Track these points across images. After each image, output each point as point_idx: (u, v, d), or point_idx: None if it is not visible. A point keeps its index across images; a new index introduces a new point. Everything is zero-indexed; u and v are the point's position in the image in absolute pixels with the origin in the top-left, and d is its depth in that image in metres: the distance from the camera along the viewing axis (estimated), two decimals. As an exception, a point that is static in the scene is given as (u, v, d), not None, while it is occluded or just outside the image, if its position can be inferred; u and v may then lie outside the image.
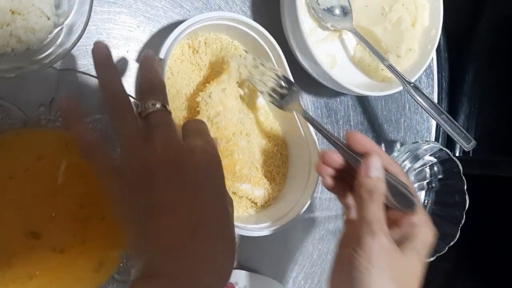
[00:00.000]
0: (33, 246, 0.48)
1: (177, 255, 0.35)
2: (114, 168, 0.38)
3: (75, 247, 0.49)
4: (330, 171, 0.50)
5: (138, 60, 0.54)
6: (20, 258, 0.48)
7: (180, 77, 0.55)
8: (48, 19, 0.46)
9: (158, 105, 0.39)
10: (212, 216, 0.37)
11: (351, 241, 0.46)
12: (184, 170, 0.37)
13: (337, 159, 0.49)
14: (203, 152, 0.39)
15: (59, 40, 0.46)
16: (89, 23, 0.50)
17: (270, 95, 0.54)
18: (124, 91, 0.40)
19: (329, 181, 0.50)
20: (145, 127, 0.38)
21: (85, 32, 0.47)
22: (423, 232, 0.47)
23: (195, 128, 0.42)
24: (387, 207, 0.48)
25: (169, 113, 0.40)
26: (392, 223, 0.49)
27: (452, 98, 0.78)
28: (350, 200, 0.50)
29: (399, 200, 0.48)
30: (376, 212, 0.45)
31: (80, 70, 0.48)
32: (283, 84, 0.54)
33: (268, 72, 0.54)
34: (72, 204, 0.50)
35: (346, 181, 0.50)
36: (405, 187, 0.48)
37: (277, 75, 0.54)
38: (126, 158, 0.38)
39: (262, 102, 0.60)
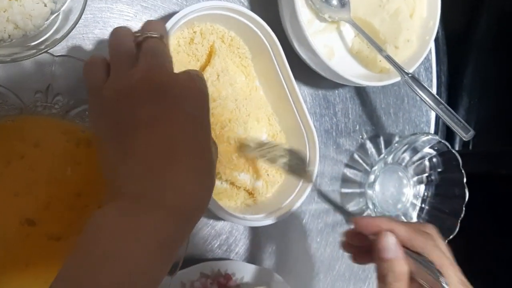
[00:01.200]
0: (29, 233, 0.48)
1: (149, 172, 0.34)
2: (101, 87, 0.38)
3: (72, 235, 0.49)
4: (356, 247, 0.49)
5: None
6: (16, 245, 0.47)
7: (176, 68, 0.54)
8: (45, 5, 0.46)
9: (155, 35, 0.40)
10: (190, 138, 0.36)
11: None
12: (165, 89, 0.37)
13: (359, 236, 0.47)
14: (188, 76, 0.38)
15: (55, 26, 0.46)
16: (86, 12, 0.50)
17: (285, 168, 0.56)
18: (127, 28, 0.41)
19: (356, 259, 0.49)
20: (140, 53, 0.39)
21: (82, 20, 0.47)
22: None
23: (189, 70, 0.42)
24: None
25: (164, 43, 0.40)
26: None
27: (452, 92, 0.77)
28: None
29: (430, 278, 0.42)
30: None
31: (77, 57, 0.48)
32: (290, 157, 0.55)
33: (272, 150, 0.55)
34: (68, 192, 0.49)
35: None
36: (428, 265, 0.43)
37: (284, 149, 0.56)
38: (113, 78, 0.38)
39: (260, 92, 0.60)
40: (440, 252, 0.44)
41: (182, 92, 0.37)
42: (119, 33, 0.41)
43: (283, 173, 0.60)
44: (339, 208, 0.67)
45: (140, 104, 0.36)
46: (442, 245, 0.46)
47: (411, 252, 0.44)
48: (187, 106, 0.37)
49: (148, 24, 0.42)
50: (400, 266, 0.43)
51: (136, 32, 0.41)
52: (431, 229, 0.46)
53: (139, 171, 0.34)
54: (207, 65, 0.56)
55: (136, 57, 0.39)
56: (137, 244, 0.32)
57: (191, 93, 0.38)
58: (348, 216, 0.68)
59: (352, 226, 0.48)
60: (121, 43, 0.40)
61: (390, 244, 0.44)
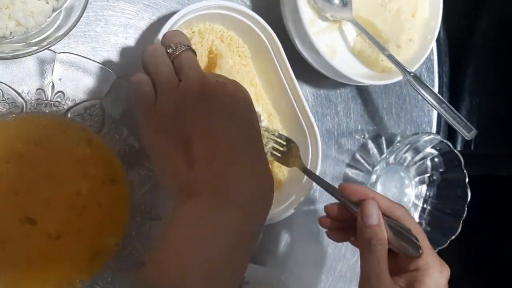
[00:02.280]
0: (29, 232, 0.47)
1: (216, 176, 0.37)
2: (153, 106, 0.40)
3: (71, 234, 0.49)
4: (334, 223, 0.52)
5: (136, 47, 0.54)
6: (16, 243, 0.47)
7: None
8: (47, 2, 0.46)
9: (186, 47, 0.42)
10: (248, 142, 0.40)
11: None
12: (219, 101, 0.39)
13: (341, 209, 0.51)
14: (234, 86, 0.41)
15: (57, 24, 0.46)
16: (88, 10, 0.50)
17: (272, 154, 0.57)
18: (160, 45, 0.43)
19: (333, 235, 0.53)
20: (178, 66, 0.42)
21: (84, 18, 0.47)
22: (431, 276, 0.47)
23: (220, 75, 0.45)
24: (396, 253, 0.48)
25: (194, 53, 0.43)
26: (401, 268, 0.49)
27: (453, 93, 0.77)
28: None
29: (403, 244, 0.48)
30: (376, 265, 0.46)
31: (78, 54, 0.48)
32: (282, 142, 0.57)
33: (266, 133, 0.57)
34: (68, 191, 0.49)
35: (353, 227, 0.50)
36: (406, 230, 0.48)
37: (274, 134, 0.57)
38: (165, 94, 0.40)
39: (260, 91, 0.60)
40: (414, 222, 0.50)
41: (233, 100, 0.40)
42: (155, 51, 0.42)
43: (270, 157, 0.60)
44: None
45: (197, 117, 0.39)
46: (413, 217, 0.52)
47: (389, 219, 0.49)
48: (239, 114, 0.40)
49: (172, 36, 0.44)
50: (383, 231, 0.47)
51: (168, 47, 0.43)
52: (402, 205, 0.52)
53: (209, 176, 0.37)
54: (212, 67, 0.56)
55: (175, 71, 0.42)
56: (219, 234, 0.36)
57: (241, 101, 0.41)
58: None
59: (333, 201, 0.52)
60: (160, 61, 0.42)
61: (373, 210, 0.48)
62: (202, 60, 0.56)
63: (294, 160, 0.57)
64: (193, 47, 0.55)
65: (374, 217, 0.47)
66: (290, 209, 0.57)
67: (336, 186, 0.53)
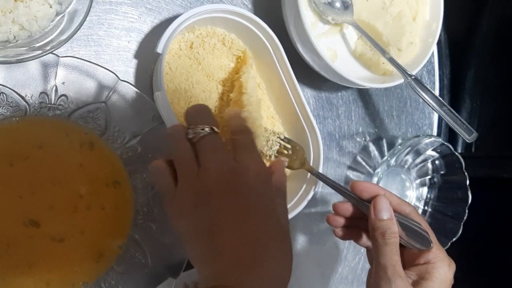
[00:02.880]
0: (32, 234, 0.48)
1: (240, 269, 0.38)
2: (174, 192, 0.41)
3: (75, 236, 0.49)
4: (341, 221, 0.53)
5: (138, 50, 0.54)
6: (19, 246, 0.48)
7: (178, 72, 0.55)
8: (50, 6, 0.46)
9: (207, 129, 0.41)
10: (267, 232, 0.39)
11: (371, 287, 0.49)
12: (238, 192, 0.39)
13: (349, 208, 0.53)
14: (254, 172, 0.41)
15: (60, 28, 0.46)
16: (91, 13, 0.50)
17: (276, 157, 0.57)
18: (182, 125, 0.43)
19: (340, 232, 0.53)
20: (198, 151, 0.41)
21: (87, 22, 0.47)
22: (440, 269, 0.49)
23: (244, 143, 0.43)
24: (403, 247, 0.50)
25: (218, 135, 0.42)
26: (409, 262, 0.51)
27: (454, 95, 0.78)
28: (367, 241, 0.53)
29: (413, 238, 0.50)
30: (390, 256, 0.47)
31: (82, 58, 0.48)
32: (287, 145, 0.57)
33: (272, 137, 0.57)
34: (71, 194, 0.50)
35: (359, 226, 0.53)
36: (417, 225, 0.50)
37: (279, 138, 0.58)
38: (185, 181, 0.40)
39: (261, 93, 0.60)
40: (422, 218, 0.52)
41: (254, 189, 0.40)
42: (175, 134, 0.42)
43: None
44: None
45: (218, 206, 0.39)
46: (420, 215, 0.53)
47: (398, 215, 0.50)
48: (260, 202, 0.40)
49: (194, 115, 0.42)
50: (395, 225, 0.49)
51: (189, 131, 0.41)
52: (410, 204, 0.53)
53: (232, 268, 0.38)
54: (208, 68, 0.56)
55: (196, 154, 0.41)
56: None
57: (261, 190, 0.41)
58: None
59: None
60: (180, 147, 0.41)
61: (386, 205, 0.50)
62: (203, 64, 0.56)
63: (300, 163, 0.57)
64: (195, 50, 0.56)
65: (386, 211, 0.49)
66: (299, 206, 0.57)
67: (330, 187, 0.55)
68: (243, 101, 0.53)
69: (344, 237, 0.54)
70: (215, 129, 0.42)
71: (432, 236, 0.50)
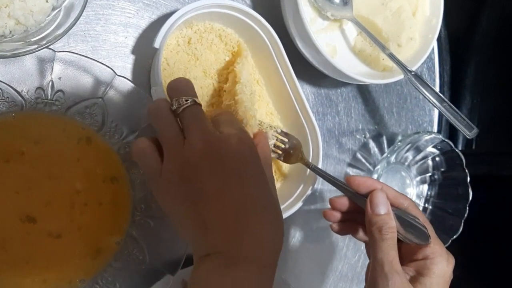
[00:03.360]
0: (29, 230, 0.48)
1: (228, 236, 0.38)
2: (159, 170, 0.40)
3: (72, 232, 0.49)
4: (338, 216, 0.53)
5: (136, 46, 0.54)
6: (16, 242, 0.47)
7: (176, 67, 0.54)
8: (47, 1, 0.46)
9: (190, 101, 0.41)
10: (253, 198, 0.39)
11: (369, 283, 0.48)
12: (223, 160, 0.39)
13: (346, 202, 0.52)
14: (238, 140, 0.40)
15: (56, 22, 0.46)
16: (88, 9, 0.50)
17: (273, 151, 0.56)
18: (163, 101, 0.42)
19: (337, 227, 0.53)
20: (182, 123, 0.41)
21: (83, 17, 0.47)
22: (439, 264, 0.48)
23: (226, 118, 0.44)
24: (401, 242, 0.49)
25: (201, 106, 0.42)
26: (407, 258, 0.50)
27: (454, 92, 0.77)
28: (365, 235, 0.53)
29: (411, 233, 0.49)
30: (387, 252, 0.47)
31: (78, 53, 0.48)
32: (284, 139, 0.57)
33: (269, 130, 0.57)
34: (68, 190, 0.49)
35: (357, 220, 0.52)
36: (415, 219, 0.50)
37: (276, 131, 0.57)
38: (170, 157, 0.40)
39: (259, 89, 0.60)
40: (421, 212, 0.51)
41: (239, 156, 0.40)
42: (158, 110, 0.42)
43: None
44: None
45: (203, 178, 0.39)
46: (419, 208, 0.53)
47: (396, 209, 0.50)
48: (246, 170, 0.40)
49: (175, 88, 0.42)
50: (392, 219, 0.48)
51: (172, 103, 0.41)
52: (408, 197, 0.53)
53: (223, 236, 0.38)
54: (206, 64, 0.56)
55: (181, 127, 0.41)
56: None
57: (246, 156, 0.40)
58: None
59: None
60: (164, 122, 0.41)
61: (383, 199, 0.49)
62: (201, 59, 0.56)
63: (297, 157, 0.57)
64: (193, 46, 0.55)
65: (383, 206, 0.49)
66: (298, 202, 0.57)
67: (327, 181, 0.54)
68: (236, 90, 0.52)
69: (341, 232, 0.54)
70: (197, 101, 0.42)
71: (431, 231, 0.50)
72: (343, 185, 0.53)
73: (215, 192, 0.39)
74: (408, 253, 0.50)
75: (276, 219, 0.41)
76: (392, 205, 0.50)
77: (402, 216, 0.49)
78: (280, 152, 0.56)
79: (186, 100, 0.41)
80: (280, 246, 0.40)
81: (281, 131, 0.57)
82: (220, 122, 0.43)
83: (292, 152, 0.57)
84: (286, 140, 0.57)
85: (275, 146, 0.57)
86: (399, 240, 0.49)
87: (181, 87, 0.42)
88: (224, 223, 0.38)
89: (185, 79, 0.44)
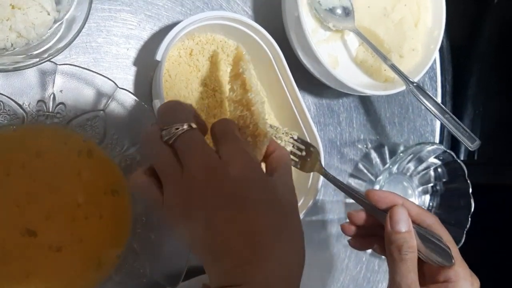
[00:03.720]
0: (30, 244, 0.47)
1: (243, 266, 0.36)
2: (161, 203, 0.38)
3: (73, 246, 0.49)
4: (356, 230, 0.50)
5: (138, 58, 0.54)
6: (16, 256, 0.47)
7: (178, 79, 0.54)
8: (48, 14, 0.46)
9: (180, 128, 0.38)
10: (265, 221, 0.37)
11: None
12: (225, 188, 0.37)
13: (364, 216, 0.49)
14: (241, 164, 0.38)
15: (58, 35, 0.46)
16: (90, 20, 0.50)
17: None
18: (156, 127, 0.39)
19: (354, 242, 0.51)
20: (177, 152, 0.38)
21: (85, 29, 0.47)
22: None
23: (222, 131, 0.40)
24: (422, 261, 0.47)
25: (196, 130, 0.38)
26: (428, 278, 0.47)
27: (456, 102, 0.77)
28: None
29: (433, 252, 0.46)
30: (406, 274, 0.44)
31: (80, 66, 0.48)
32: (301, 146, 0.54)
33: (285, 137, 0.54)
34: (69, 203, 0.49)
35: (377, 234, 0.49)
36: (438, 239, 0.47)
37: (293, 138, 0.54)
38: (169, 190, 0.37)
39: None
40: (445, 231, 0.48)
41: (243, 183, 0.37)
42: (149, 140, 0.39)
43: None
44: (343, 219, 0.67)
45: (208, 210, 0.36)
46: (443, 227, 0.50)
47: (418, 227, 0.47)
48: (252, 195, 0.37)
49: (166, 115, 0.39)
50: (413, 238, 0.46)
51: (164, 132, 0.38)
52: (433, 215, 0.50)
53: (236, 268, 0.36)
54: (207, 75, 0.55)
55: (176, 155, 0.38)
56: None
57: (251, 181, 0.38)
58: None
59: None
60: (156, 152, 0.38)
61: (404, 216, 0.46)
62: (202, 71, 0.56)
63: (313, 165, 0.54)
64: (195, 57, 0.55)
65: (404, 223, 0.46)
66: (300, 214, 0.56)
67: (338, 196, 0.53)
68: (250, 99, 0.45)
69: (359, 247, 0.51)
70: (193, 125, 0.38)
71: (455, 252, 0.47)
72: (361, 197, 0.50)
73: (222, 220, 0.36)
74: (430, 273, 0.47)
75: (293, 240, 0.38)
76: (414, 222, 0.47)
77: (424, 235, 0.46)
78: (297, 160, 0.53)
79: (177, 128, 0.37)
80: (302, 266, 0.38)
81: (298, 137, 0.54)
82: (216, 136, 0.40)
83: (309, 160, 0.54)
84: (303, 147, 0.54)
85: (291, 153, 0.53)
86: (419, 259, 0.46)
87: (170, 114, 0.39)
88: (236, 252, 0.36)
89: (175, 102, 0.40)
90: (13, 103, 0.46)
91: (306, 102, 0.63)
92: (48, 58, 0.44)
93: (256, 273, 0.35)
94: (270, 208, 0.38)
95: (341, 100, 0.67)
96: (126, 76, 0.53)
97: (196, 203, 0.37)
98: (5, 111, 0.46)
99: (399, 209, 0.46)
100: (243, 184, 0.37)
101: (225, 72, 0.57)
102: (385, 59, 0.60)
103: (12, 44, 0.45)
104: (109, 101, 0.49)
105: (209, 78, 0.56)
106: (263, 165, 0.44)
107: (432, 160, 0.68)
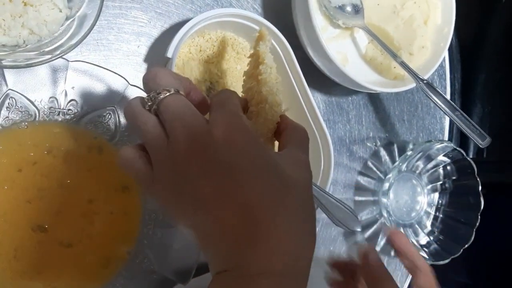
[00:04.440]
0: (40, 240, 0.47)
1: (241, 247, 0.32)
2: (150, 177, 0.35)
3: (83, 242, 0.49)
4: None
5: (148, 55, 0.54)
6: (27, 251, 0.47)
7: (188, 75, 0.54)
8: (60, 11, 0.46)
9: (162, 94, 0.35)
10: (264, 194, 0.32)
11: None
12: (213, 156, 0.32)
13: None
14: (227, 126, 0.33)
15: (70, 32, 0.46)
16: (101, 18, 0.50)
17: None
18: (135, 101, 0.36)
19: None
20: (162, 120, 0.35)
21: (96, 26, 0.47)
22: None
23: (218, 99, 0.36)
24: None
25: (181, 95, 0.35)
26: None
27: (465, 99, 0.77)
28: None
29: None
30: None
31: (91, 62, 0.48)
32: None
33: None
34: (80, 199, 0.49)
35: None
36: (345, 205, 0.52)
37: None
38: (156, 162, 0.34)
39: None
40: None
41: (230, 147, 0.33)
42: (131, 111, 0.36)
43: None
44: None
45: (194, 184, 0.32)
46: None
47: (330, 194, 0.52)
48: (243, 161, 0.33)
49: (149, 81, 0.36)
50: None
51: (146, 98, 0.35)
52: None
53: (229, 250, 0.32)
54: (217, 72, 0.55)
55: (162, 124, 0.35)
56: None
57: (239, 145, 0.33)
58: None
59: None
60: (140, 123, 0.35)
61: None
62: (212, 68, 0.56)
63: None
64: (205, 54, 0.55)
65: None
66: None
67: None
68: (260, 70, 0.42)
69: None
70: (180, 91, 0.35)
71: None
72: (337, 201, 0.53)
73: (211, 198, 0.32)
74: None
75: (298, 223, 0.33)
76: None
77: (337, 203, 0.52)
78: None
79: (159, 93, 0.34)
80: (309, 251, 0.34)
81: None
82: (212, 105, 0.36)
83: None
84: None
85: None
86: None
87: (154, 80, 0.35)
88: (228, 235, 0.32)
89: (158, 68, 0.37)
90: (25, 99, 0.47)
91: (315, 100, 0.63)
92: (60, 55, 0.44)
93: (254, 256, 0.31)
94: (266, 178, 0.33)
95: (350, 98, 0.67)
96: (136, 73, 0.53)
97: (181, 177, 0.33)
98: (17, 107, 0.47)
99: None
100: (230, 149, 0.33)
101: (234, 69, 0.57)
102: (394, 56, 0.60)
103: (24, 41, 0.45)
104: (120, 98, 0.49)
105: (219, 75, 0.56)
106: (276, 145, 0.41)
107: (441, 158, 0.67)
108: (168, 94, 0.34)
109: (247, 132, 0.34)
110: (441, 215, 0.70)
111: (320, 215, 0.65)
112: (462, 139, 0.76)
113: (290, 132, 0.39)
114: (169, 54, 0.49)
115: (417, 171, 0.70)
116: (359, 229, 0.52)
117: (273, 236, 0.32)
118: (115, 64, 0.52)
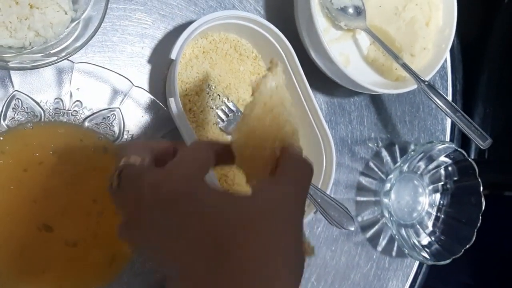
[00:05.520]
0: (46, 239, 0.48)
1: None
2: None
3: (88, 241, 0.50)
4: None
5: (152, 56, 0.54)
6: (33, 250, 0.48)
7: (191, 77, 0.55)
8: (66, 13, 0.47)
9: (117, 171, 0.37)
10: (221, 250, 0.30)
11: None
12: (166, 211, 0.32)
13: None
14: (184, 182, 0.33)
15: (75, 34, 0.47)
16: (105, 20, 0.50)
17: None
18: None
19: None
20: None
21: (101, 28, 0.48)
22: None
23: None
24: None
25: (142, 166, 0.36)
26: None
27: (467, 100, 0.77)
28: None
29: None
30: None
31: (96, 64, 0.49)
32: (232, 109, 0.54)
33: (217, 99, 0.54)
34: (85, 198, 0.50)
35: None
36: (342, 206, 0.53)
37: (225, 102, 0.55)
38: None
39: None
40: None
41: (191, 204, 0.31)
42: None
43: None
44: (354, 217, 0.67)
45: (146, 238, 0.34)
46: None
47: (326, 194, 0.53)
48: (194, 204, 0.31)
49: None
50: None
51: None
52: None
53: None
54: (220, 74, 0.56)
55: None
56: None
57: (199, 200, 0.31)
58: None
59: None
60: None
61: None
62: (215, 70, 0.56)
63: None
64: (208, 55, 0.56)
65: None
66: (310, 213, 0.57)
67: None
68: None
69: None
70: (145, 156, 0.37)
71: None
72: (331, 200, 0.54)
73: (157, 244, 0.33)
74: None
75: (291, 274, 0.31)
76: None
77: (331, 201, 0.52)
78: (223, 121, 0.53)
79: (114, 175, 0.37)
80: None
81: (232, 102, 0.52)
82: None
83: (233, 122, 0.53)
84: (234, 110, 0.52)
85: (218, 117, 0.53)
86: None
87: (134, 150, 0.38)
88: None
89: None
90: (31, 100, 0.47)
91: (317, 101, 0.64)
92: (66, 57, 0.45)
93: None
94: (224, 224, 0.30)
95: (352, 99, 0.67)
96: (140, 75, 0.54)
97: (153, 235, 0.34)
98: (23, 108, 0.47)
99: None
100: (183, 202, 0.31)
101: (237, 70, 0.58)
102: (396, 58, 0.60)
103: (30, 43, 0.46)
104: (125, 99, 0.50)
105: (221, 76, 0.57)
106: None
107: (443, 158, 0.68)
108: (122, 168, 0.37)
109: (196, 178, 0.33)
110: (442, 216, 0.70)
111: (320, 215, 0.65)
112: (463, 140, 0.77)
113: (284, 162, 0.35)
114: (173, 55, 0.50)
115: (419, 172, 0.70)
116: (352, 228, 0.53)
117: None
118: (119, 66, 0.53)
